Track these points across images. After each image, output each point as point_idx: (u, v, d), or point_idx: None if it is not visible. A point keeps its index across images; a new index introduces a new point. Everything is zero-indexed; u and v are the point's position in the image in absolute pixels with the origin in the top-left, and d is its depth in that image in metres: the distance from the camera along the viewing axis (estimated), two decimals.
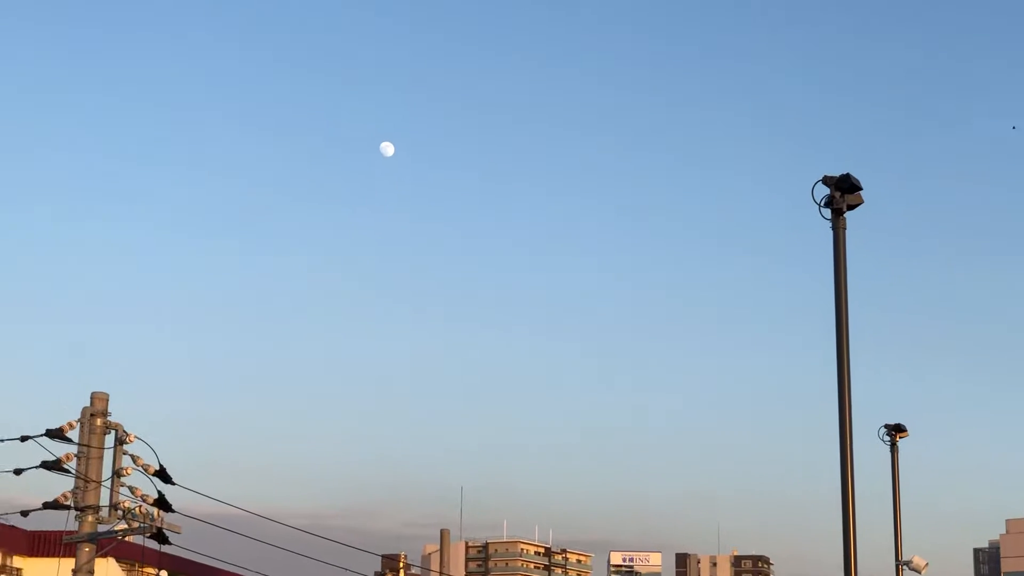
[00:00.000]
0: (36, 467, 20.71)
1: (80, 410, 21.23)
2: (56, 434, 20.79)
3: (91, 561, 21.34)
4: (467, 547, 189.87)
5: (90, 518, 21.16)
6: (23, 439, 20.62)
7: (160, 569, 46.01)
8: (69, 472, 21.02)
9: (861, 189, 18.22)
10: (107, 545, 22.03)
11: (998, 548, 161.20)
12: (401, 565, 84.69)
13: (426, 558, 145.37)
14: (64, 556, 25.86)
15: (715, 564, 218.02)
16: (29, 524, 22.81)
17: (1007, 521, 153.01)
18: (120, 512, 21.24)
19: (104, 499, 21.27)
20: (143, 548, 22.25)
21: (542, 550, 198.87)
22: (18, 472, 20.72)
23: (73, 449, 21.02)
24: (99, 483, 21.14)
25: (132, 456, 21.37)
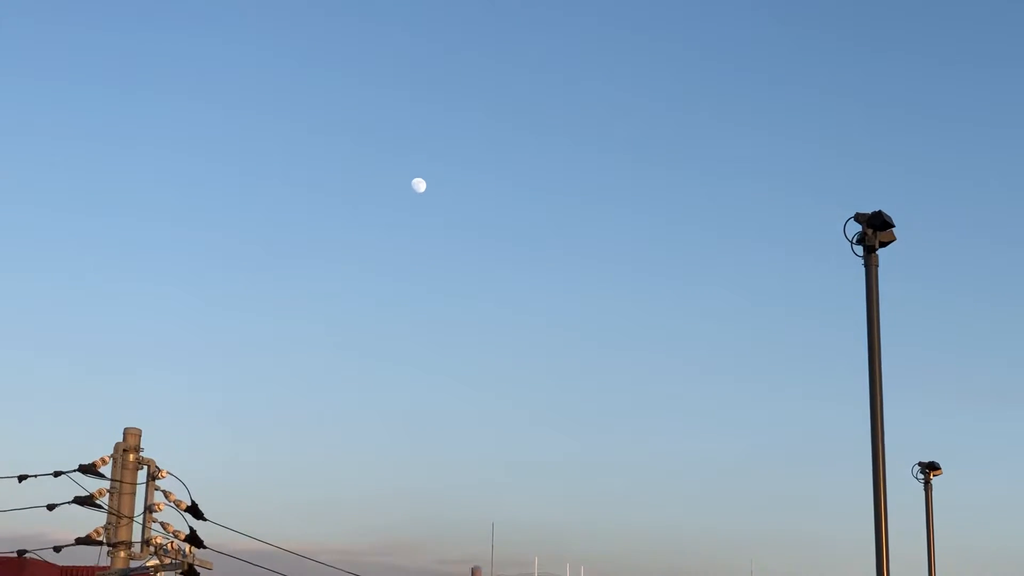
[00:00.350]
0: (69, 503, 20.79)
1: (113, 445, 21.31)
2: (89, 469, 20.86)
3: None
4: None
5: (122, 554, 21.21)
6: (56, 475, 20.71)
7: None
8: (101, 508, 21.08)
9: (894, 226, 18.20)
10: None
11: None
12: None
13: None
14: None
15: None
16: (61, 559, 22.82)
17: None
18: (152, 548, 21.28)
19: (136, 535, 21.33)
20: None
21: None
22: (51, 507, 20.82)
23: (106, 484, 21.09)
24: (131, 519, 21.20)
25: (164, 492, 21.42)
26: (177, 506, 21.41)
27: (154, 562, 21.39)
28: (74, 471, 20.79)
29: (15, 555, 22.40)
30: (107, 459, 21.16)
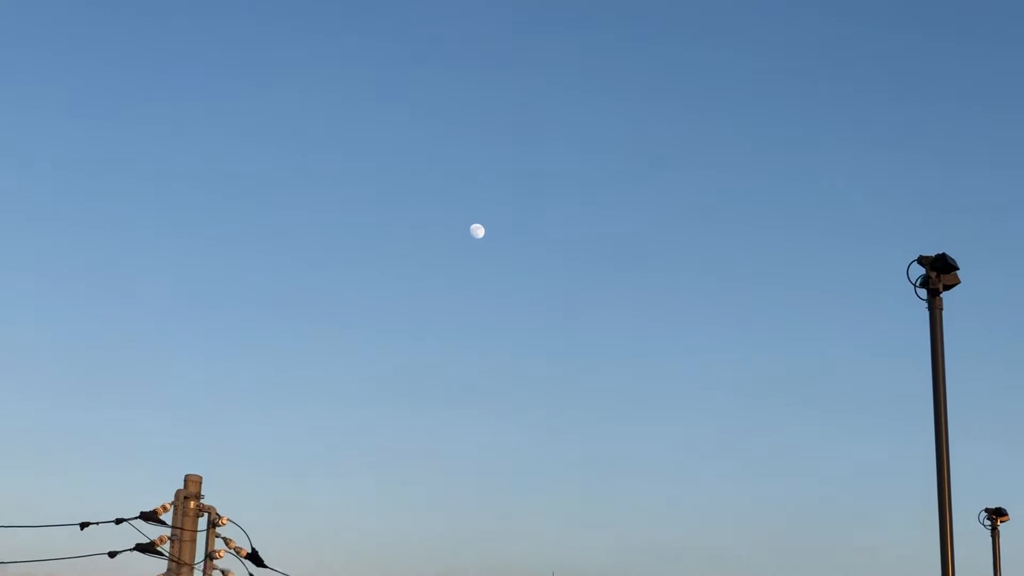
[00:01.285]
0: (130, 550, 20.83)
1: (174, 492, 21.37)
2: (150, 517, 20.92)
3: None
4: None
5: None
6: (117, 522, 20.77)
7: None
8: (163, 555, 21.12)
9: (957, 269, 18.00)
10: None
11: None
12: None
13: None
14: None
15: None
16: None
17: None
18: None
19: None
20: None
21: None
22: (112, 555, 20.86)
23: (167, 532, 21.13)
24: (192, 566, 21.22)
25: (225, 539, 21.44)
26: (237, 553, 21.41)
27: None
28: (135, 518, 20.86)
29: None
30: (168, 506, 21.21)
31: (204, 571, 21.37)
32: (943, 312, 18.21)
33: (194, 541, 21.31)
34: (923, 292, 18.15)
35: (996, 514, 34.72)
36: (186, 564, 21.17)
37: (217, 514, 21.43)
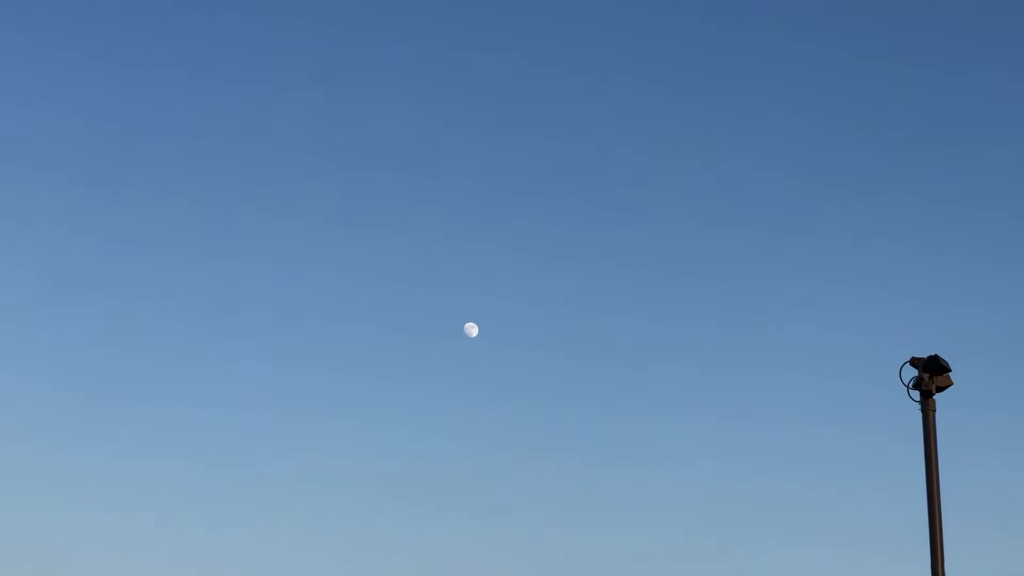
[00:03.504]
0: None
1: None
2: None
3: None
4: None
5: None
6: None
7: None
8: None
9: (950, 371, 18.01)
10: None
11: None
12: None
13: None
14: None
15: None
16: None
17: None
18: None
19: None
20: None
21: None
22: None
23: None
24: None
25: None
26: None
27: None
28: None
29: None
30: None
31: None
32: (936, 413, 18.21)
33: None
34: (915, 394, 18.16)
35: None
36: None
37: None
